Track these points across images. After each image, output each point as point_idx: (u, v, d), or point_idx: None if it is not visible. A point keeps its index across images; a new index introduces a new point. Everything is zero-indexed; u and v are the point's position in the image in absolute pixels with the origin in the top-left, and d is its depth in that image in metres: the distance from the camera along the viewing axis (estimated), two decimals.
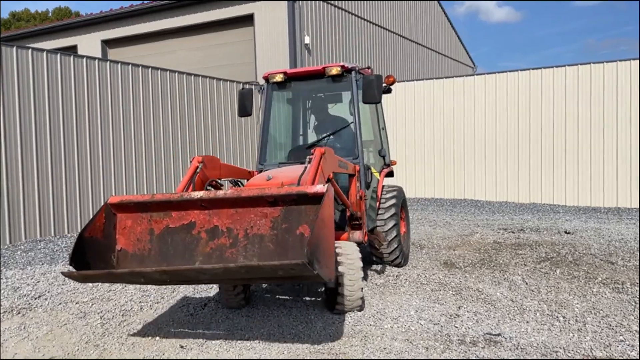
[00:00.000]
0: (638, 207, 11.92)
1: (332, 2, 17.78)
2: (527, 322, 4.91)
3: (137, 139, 11.32)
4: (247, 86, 6.87)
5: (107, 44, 19.85)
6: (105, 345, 4.64)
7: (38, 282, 6.75)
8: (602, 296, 5.63)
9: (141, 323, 5.18)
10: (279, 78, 6.55)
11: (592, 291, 5.82)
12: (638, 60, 12.06)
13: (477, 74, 14.24)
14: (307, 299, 5.78)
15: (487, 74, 13.87)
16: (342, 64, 6.31)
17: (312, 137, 7.18)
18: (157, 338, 4.77)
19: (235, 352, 4.42)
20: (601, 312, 5.12)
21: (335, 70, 6.30)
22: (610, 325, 4.73)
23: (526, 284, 6.12)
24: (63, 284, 6.61)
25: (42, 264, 7.77)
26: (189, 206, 4.53)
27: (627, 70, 12.18)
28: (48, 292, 6.29)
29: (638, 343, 4.37)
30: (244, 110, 6.67)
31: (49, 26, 21.51)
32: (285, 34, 16.15)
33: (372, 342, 4.50)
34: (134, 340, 4.73)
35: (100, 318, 5.33)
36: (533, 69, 13.27)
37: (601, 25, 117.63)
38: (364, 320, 5.02)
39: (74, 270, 4.17)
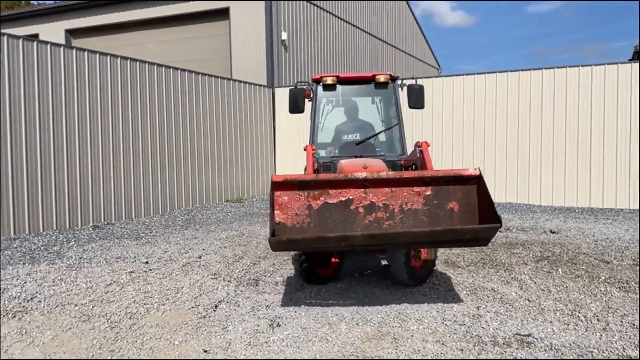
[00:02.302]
0: (638, 208, 12.19)
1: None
2: (551, 322, 4.90)
3: (115, 135, 10.85)
4: (298, 85, 7.45)
5: (72, 33, 19.10)
6: (121, 351, 4.35)
7: (25, 282, 6.32)
8: (612, 295, 5.70)
9: (152, 326, 4.90)
10: (331, 81, 7.13)
11: (600, 290, 5.89)
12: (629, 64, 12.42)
13: (456, 75, 14.34)
14: (317, 300, 5.63)
15: (466, 74, 14.00)
16: (389, 72, 7.21)
17: (356, 135, 7.57)
18: (176, 342, 4.52)
19: (263, 355, 4.23)
20: (618, 311, 5.17)
21: (383, 78, 7.17)
22: (634, 325, 4.77)
23: (535, 283, 6.15)
24: (53, 285, 6.22)
25: (23, 263, 7.31)
26: (348, 185, 5.09)
27: (602, 75, 12.52)
28: (39, 293, 5.90)
29: (638, 342, 4.41)
30: (297, 107, 7.12)
31: (9, 14, 20.53)
32: (262, 29, 15.91)
33: (403, 344, 4.39)
34: (151, 345, 4.46)
35: (107, 321, 5.02)
36: (511, 71, 13.47)
37: (549, 33, 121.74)
38: (387, 321, 4.91)
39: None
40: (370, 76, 7.24)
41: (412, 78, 7.61)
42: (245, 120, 14.73)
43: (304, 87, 7.32)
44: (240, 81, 14.68)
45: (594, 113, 12.66)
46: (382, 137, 7.39)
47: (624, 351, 4.24)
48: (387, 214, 5.12)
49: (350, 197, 5.11)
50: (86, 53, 10.27)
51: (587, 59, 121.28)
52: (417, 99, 7.17)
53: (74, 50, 10.04)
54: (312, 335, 4.62)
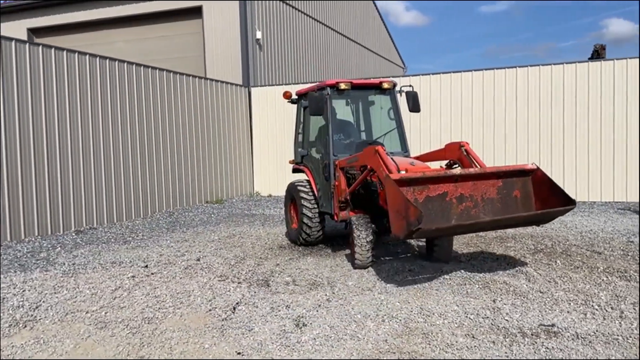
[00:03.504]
0: (638, 201, 12.53)
1: None
2: (568, 312, 5.04)
3: (95, 138, 10.54)
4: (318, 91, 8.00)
5: (34, 32, 18.43)
6: (151, 357, 4.24)
7: (24, 291, 6.09)
8: (616, 284, 5.89)
9: (175, 330, 4.80)
10: (345, 86, 7.68)
11: (603, 280, 6.09)
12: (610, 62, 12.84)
13: (419, 75, 14.56)
14: (334, 301, 5.63)
15: (421, 74, 14.23)
16: (392, 80, 8.11)
17: (364, 135, 8.57)
18: (206, 346, 4.43)
19: (299, 355, 4.19)
20: (627, 299, 5.35)
21: (387, 85, 7.99)
22: None
23: (540, 275, 6.30)
24: (55, 293, 6.01)
25: (15, 271, 7.03)
26: (445, 180, 6.07)
27: (572, 72, 12.95)
28: (43, 301, 5.69)
29: (638, 341, 4.41)
30: (318, 110, 7.45)
31: None
32: (236, 28, 15.76)
33: (435, 339, 4.44)
34: (181, 349, 4.37)
35: (126, 327, 4.88)
36: (487, 69, 13.76)
37: (501, 32, 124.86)
38: (412, 317, 4.95)
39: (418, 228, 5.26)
40: (378, 82, 8.05)
41: (409, 85, 8.25)
42: (222, 120, 14.55)
43: (323, 92, 7.81)
44: (215, 80, 14.49)
45: (566, 108, 13.05)
46: (389, 137, 8.12)
47: None
48: (473, 203, 6.22)
49: (445, 191, 6.09)
50: (65, 52, 9.95)
51: (540, 58, 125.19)
52: (414, 103, 7.94)
53: (53, 50, 9.70)
54: (342, 333, 4.61)
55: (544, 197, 6.36)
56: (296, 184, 8.37)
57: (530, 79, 13.34)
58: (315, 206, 8.00)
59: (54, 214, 9.65)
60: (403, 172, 6.18)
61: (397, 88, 8.28)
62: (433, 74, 14.32)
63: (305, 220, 7.92)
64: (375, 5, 26.58)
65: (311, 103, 7.47)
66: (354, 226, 6.70)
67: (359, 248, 6.60)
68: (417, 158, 7.63)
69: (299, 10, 18.62)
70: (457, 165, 7.14)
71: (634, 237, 8.55)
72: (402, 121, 8.25)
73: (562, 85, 13.06)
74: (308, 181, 8.32)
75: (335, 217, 7.59)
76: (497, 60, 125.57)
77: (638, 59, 12.44)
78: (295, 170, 9.04)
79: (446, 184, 6.09)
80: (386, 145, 7.88)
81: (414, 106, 7.92)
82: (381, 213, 6.84)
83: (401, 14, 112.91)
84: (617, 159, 12.68)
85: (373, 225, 6.73)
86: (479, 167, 6.72)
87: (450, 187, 6.10)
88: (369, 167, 6.62)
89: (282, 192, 15.33)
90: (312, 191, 8.11)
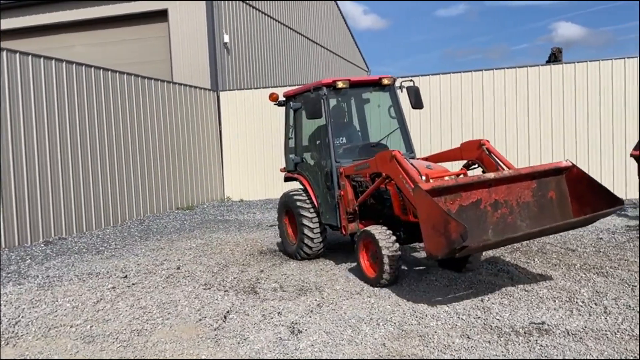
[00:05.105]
0: (638, 198, 12.80)
1: (249, 2, 17.48)
2: (555, 309, 5.16)
3: (62, 146, 10.23)
4: (314, 93, 7.21)
5: None
6: None
7: None
8: (595, 281, 6.06)
9: (167, 342, 4.70)
10: (343, 84, 7.05)
11: (582, 277, 6.25)
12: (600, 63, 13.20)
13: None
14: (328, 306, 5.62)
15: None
16: (391, 76, 7.46)
17: (365, 136, 7.98)
18: (202, 356, 4.35)
19: None
20: (608, 295, 5.51)
21: (387, 80, 7.39)
22: (630, 307, 5.12)
23: (521, 273, 6.44)
24: (33, 307, 5.81)
25: None
26: (478, 186, 5.52)
27: (548, 73, 13.32)
28: (22, 317, 5.49)
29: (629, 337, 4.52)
30: (315, 113, 6.84)
31: None
32: (203, 31, 15.58)
33: (431, 341, 4.48)
34: None
35: (116, 341, 4.75)
36: (445, 73, 14.00)
37: (458, 36, 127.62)
38: (406, 319, 4.99)
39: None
40: (377, 79, 7.47)
41: (410, 80, 7.62)
42: (191, 124, 14.33)
43: (320, 93, 7.09)
44: (183, 84, 14.27)
45: (530, 109, 13.41)
46: (392, 137, 7.64)
47: (632, 331, 4.54)
48: (509, 209, 5.70)
49: (479, 198, 5.54)
50: (30, 57, 9.62)
51: (495, 60, 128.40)
52: (417, 99, 7.37)
53: (17, 54, 9.37)
54: (339, 338, 4.61)
55: (580, 196, 5.87)
56: (292, 194, 7.68)
57: (501, 80, 13.65)
58: (317, 218, 7.30)
59: (21, 224, 9.31)
60: (423, 179, 5.73)
61: (397, 84, 7.62)
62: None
63: (305, 235, 7.25)
64: (339, 8, 26.73)
65: (307, 106, 6.89)
66: (380, 241, 5.93)
67: (388, 266, 5.86)
68: (425, 159, 7.12)
69: (265, 14, 18.55)
70: (476, 166, 6.69)
71: (601, 233, 8.83)
72: (405, 119, 7.64)
73: (527, 88, 13.42)
74: (305, 190, 7.59)
75: (344, 231, 6.93)
76: (455, 63, 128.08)
77: (637, 59, 12.59)
78: (287, 179, 8.26)
79: (479, 190, 5.51)
80: (389, 146, 7.42)
81: (417, 102, 7.32)
82: (395, 223, 6.40)
83: (359, 17, 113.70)
84: (580, 157, 13.08)
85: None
86: (505, 167, 6.17)
87: (483, 193, 5.53)
88: (383, 174, 6.10)
89: (253, 197, 15.26)
90: (312, 202, 7.40)
